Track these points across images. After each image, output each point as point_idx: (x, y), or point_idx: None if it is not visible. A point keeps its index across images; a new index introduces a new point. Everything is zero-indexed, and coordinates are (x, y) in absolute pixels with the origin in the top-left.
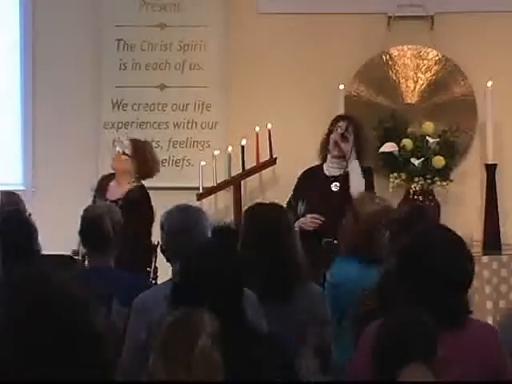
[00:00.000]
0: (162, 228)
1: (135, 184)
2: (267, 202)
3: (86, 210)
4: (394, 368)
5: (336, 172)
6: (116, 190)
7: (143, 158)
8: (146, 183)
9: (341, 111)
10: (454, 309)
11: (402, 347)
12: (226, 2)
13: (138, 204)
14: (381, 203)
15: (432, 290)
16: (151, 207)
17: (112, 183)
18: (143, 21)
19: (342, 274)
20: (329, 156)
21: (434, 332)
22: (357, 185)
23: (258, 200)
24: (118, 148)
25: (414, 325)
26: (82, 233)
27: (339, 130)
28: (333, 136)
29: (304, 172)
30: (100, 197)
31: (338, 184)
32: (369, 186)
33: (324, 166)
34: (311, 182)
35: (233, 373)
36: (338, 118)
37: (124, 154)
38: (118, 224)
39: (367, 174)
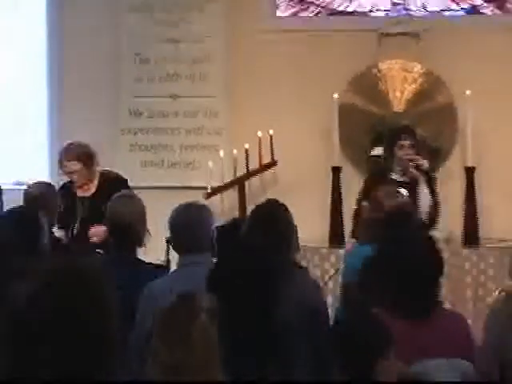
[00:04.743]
0: (169, 224)
1: (99, 173)
2: (272, 199)
3: (114, 217)
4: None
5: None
6: (84, 189)
7: (87, 157)
8: (159, 183)
9: (335, 118)
10: (425, 300)
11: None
12: (232, 20)
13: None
14: (401, 199)
15: (403, 285)
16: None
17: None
18: (157, 37)
19: (359, 259)
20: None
21: (386, 330)
22: (424, 199)
23: (261, 198)
24: (70, 167)
25: (369, 327)
26: (112, 235)
27: (404, 152)
28: (399, 154)
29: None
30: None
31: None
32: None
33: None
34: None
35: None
36: (399, 135)
37: (79, 170)
38: (140, 217)
39: (430, 181)
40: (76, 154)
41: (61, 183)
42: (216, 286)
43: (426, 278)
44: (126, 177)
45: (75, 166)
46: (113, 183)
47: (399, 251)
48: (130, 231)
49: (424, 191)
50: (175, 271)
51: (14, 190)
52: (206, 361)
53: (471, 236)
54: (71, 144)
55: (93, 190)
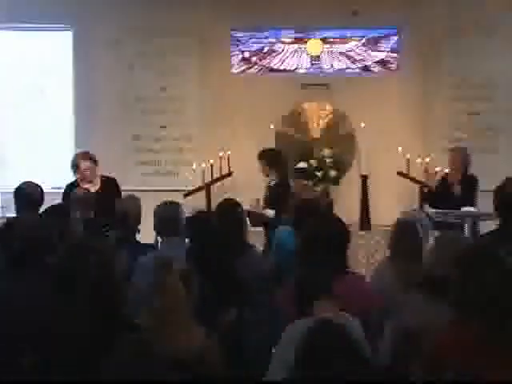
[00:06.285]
0: (154, 215)
1: (100, 176)
2: (231, 198)
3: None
4: (309, 302)
5: None
6: (91, 185)
7: (94, 159)
8: (151, 187)
9: (273, 142)
10: (338, 264)
11: (312, 287)
12: (203, 72)
13: (115, 184)
14: (314, 193)
15: (324, 254)
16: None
17: (82, 184)
18: (153, 85)
19: (282, 236)
20: None
21: (330, 278)
22: None
23: (222, 198)
24: (85, 165)
25: (318, 274)
26: (116, 223)
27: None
28: None
29: None
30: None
31: None
32: None
33: None
34: None
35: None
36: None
37: (91, 167)
38: (135, 212)
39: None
40: (89, 156)
41: (68, 182)
42: (195, 255)
43: (341, 246)
44: (119, 180)
45: (89, 164)
46: (112, 183)
47: (324, 228)
48: (128, 220)
49: None
50: (160, 248)
51: (51, 192)
52: (175, 303)
53: (365, 222)
54: (82, 151)
55: (97, 186)
